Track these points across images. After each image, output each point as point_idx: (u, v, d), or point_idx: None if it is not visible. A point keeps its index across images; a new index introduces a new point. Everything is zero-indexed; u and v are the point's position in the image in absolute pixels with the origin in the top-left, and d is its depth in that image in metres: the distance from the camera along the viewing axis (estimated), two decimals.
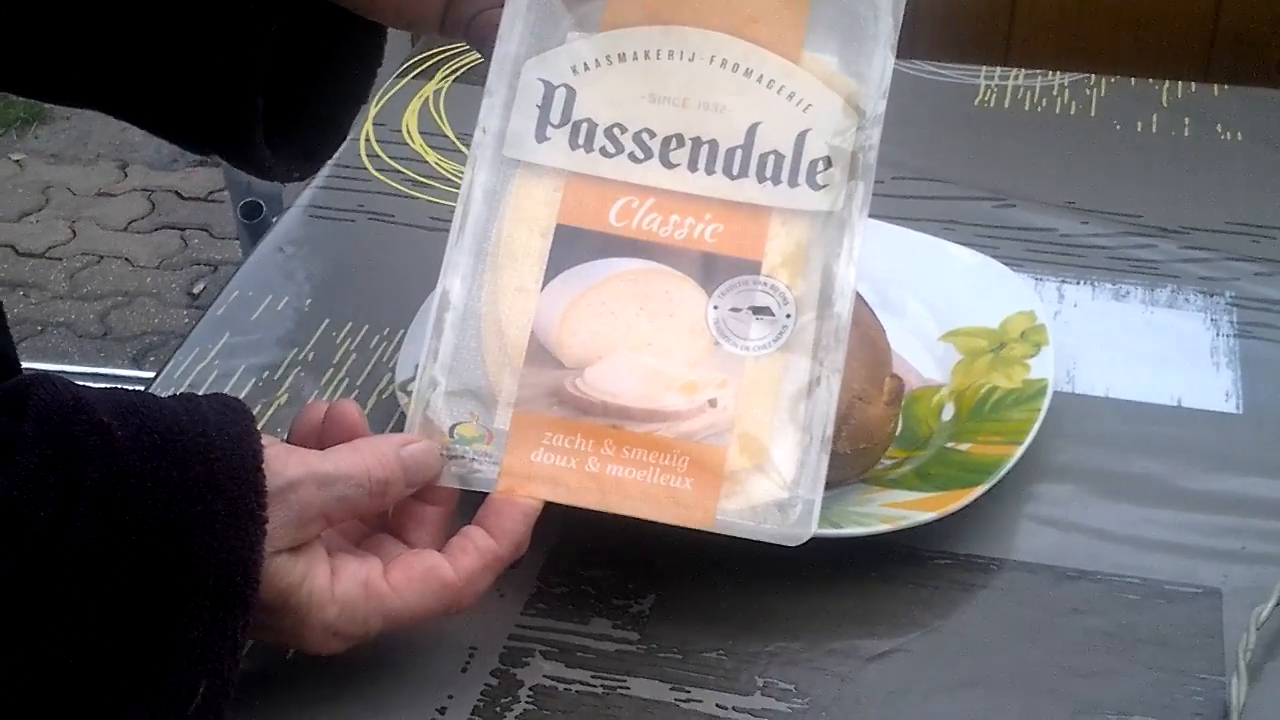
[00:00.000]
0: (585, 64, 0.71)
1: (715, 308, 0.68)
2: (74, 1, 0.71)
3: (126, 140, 3.27)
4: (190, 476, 0.57)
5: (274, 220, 2.12)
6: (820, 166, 0.69)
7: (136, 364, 2.64)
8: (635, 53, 0.71)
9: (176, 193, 3.12)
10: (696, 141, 0.70)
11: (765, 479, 0.66)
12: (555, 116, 0.70)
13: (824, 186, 0.69)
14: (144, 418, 0.57)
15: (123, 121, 0.78)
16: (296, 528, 0.60)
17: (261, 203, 2.29)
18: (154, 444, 0.57)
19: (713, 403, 0.67)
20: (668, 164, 0.70)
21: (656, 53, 0.71)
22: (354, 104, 0.82)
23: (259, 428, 0.60)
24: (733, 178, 0.69)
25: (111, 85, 0.75)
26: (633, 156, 0.70)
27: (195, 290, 2.83)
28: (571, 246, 0.69)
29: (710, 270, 0.69)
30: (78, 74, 0.75)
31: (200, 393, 0.61)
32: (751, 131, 0.70)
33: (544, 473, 0.66)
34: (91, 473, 0.55)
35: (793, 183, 0.69)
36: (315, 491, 0.60)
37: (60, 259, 2.92)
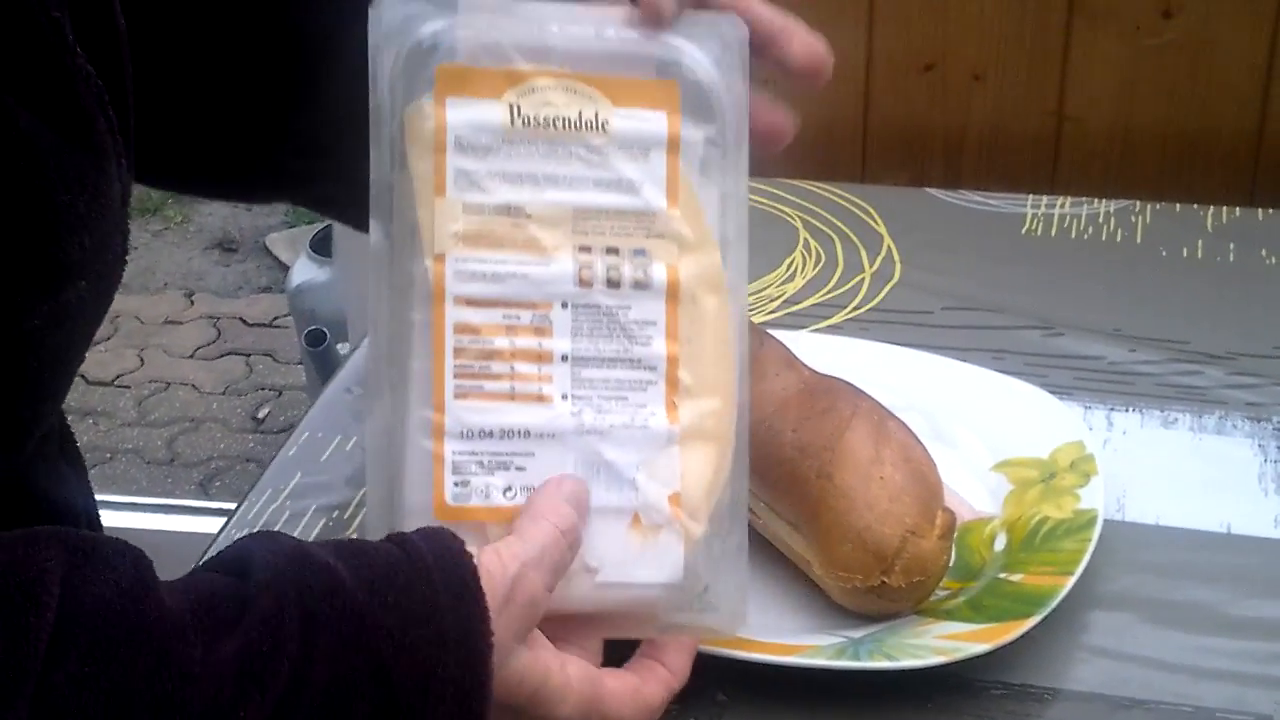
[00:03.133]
0: None
1: None
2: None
3: (193, 270, 3.35)
4: (416, 600, 0.58)
5: (337, 346, 2.16)
6: None
7: (203, 489, 2.69)
8: None
9: (241, 319, 3.18)
10: None
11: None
12: None
13: None
14: (362, 557, 0.58)
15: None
16: (529, 618, 0.62)
17: (325, 330, 2.34)
18: (378, 577, 0.58)
19: None
20: None
21: None
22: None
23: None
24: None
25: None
26: None
27: (260, 415, 2.88)
28: None
29: None
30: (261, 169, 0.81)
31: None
32: None
33: None
34: (326, 609, 0.56)
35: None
36: (536, 575, 0.62)
37: (129, 386, 2.98)
